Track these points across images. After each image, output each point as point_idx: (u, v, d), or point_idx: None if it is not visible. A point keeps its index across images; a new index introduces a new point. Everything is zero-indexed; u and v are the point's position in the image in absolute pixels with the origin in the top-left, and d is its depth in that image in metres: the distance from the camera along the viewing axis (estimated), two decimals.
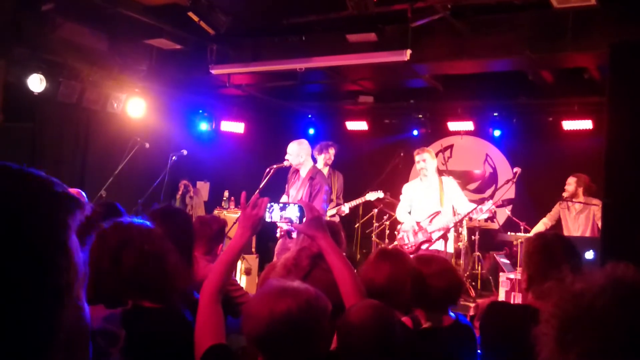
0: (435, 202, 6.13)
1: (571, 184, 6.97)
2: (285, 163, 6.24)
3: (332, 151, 7.18)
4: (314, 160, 6.51)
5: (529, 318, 2.29)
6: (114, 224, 2.04)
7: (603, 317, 0.76)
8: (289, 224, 2.29)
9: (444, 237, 5.96)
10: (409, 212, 6.40)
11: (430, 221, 6.12)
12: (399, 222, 8.49)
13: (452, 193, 6.19)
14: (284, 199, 6.24)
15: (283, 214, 2.31)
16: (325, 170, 7.04)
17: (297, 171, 6.31)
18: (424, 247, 6.10)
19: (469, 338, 2.64)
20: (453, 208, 6.22)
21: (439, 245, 6.05)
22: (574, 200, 6.94)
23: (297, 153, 6.06)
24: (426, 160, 6.18)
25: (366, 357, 1.92)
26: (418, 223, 6.15)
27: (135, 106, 8.35)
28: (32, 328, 0.65)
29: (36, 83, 6.97)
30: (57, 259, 0.67)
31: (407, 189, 6.49)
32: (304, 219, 2.30)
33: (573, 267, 2.26)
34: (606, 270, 0.81)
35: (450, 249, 6.20)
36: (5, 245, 0.62)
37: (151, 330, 1.92)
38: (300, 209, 2.29)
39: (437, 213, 6.12)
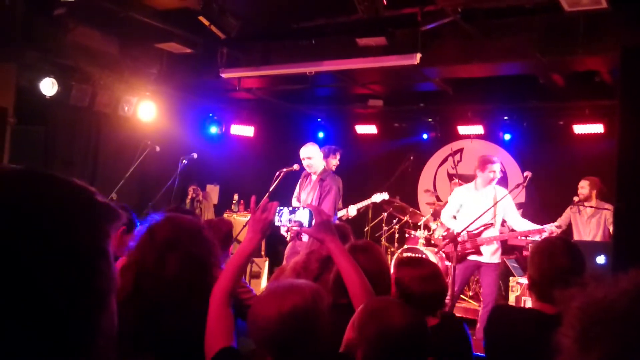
0: (488, 213, 5.83)
1: (585, 187, 6.92)
2: (295, 167, 6.26)
3: (338, 156, 7.17)
4: None
5: (532, 322, 2.30)
6: (166, 220, 2.03)
7: (627, 317, 0.76)
8: (299, 227, 2.30)
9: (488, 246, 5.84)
10: (454, 217, 6.20)
11: (481, 232, 5.90)
12: (408, 226, 8.51)
13: (506, 206, 5.97)
14: (294, 203, 6.25)
15: (292, 217, 2.32)
16: None
17: (308, 175, 6.33)
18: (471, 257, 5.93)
19: (456, 339, 2.63)
20: (503, 221, 6.06)
21: (485, 257, 5.91)
22: (585, 204, 6.89)
23: (318, 154, 6.13)
24: (496, 172, 5.96)
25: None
26: (469, 233, 5.87)
27: (146, 109, 8.40)
28: (76, 328, 0.69)
29: (48, 86, 7.04)
30: (100, 264, 0.71)
31: (458, 193, 6.26)
32: (313, 223, 2.31)
33: (576, 270, 2.29)
34: (631, 275, 0.81)
35: (496, 259, 5.99)
36: (52, 249, 0.66)
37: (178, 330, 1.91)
38: (310, 213, 2.30)
39: (490, 225, 5.91)
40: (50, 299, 0.65)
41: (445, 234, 6.44)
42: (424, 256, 7.47)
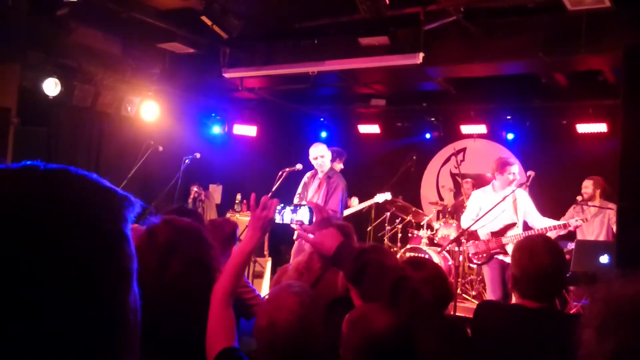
0: (510, 214, 5.76)
1: (588, 186, 6.90)
2: (298, 166, 6.26)
3: (343, 159, 7.15)
4: None
5: (516, 315, 2.32)
6: (165, 222, 2.01)
7: None
8: (299, 227, 2.28)
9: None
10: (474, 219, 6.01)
11: (505, 233, 5.76)
12: (411, 226, 8.50)
13: (526, 206, 5.84)
14: (296, 202, 6.25)
15: (294, 216, 2.30)
16: None
17: (315, 174, 6.33)
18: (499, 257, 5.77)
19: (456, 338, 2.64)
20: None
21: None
22: (589, 203, 6.88)
23: (328, 154, 6.14)
24: (515, 173, 5.83)
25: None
26: (492, 233, 5.79)
27: (148, 110, 8.41)
28: (109, 304, 0.74)
29: (51, 87, 7.05)
30: (124, 246, 0.77)
31: (477, 196, 6.10)
32: (314, 220, 2.29)
33: (556, 268, 2.31)
34: None
35: None
36: (81, 233, 0.72)
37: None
38: (310, 210, 2.28)
39: (513, 225, 5.77)
40: (83, 277, 0.70)
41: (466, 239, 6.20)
42: (426, 256, 7.47)
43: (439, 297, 2.58)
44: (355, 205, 7.15)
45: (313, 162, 6.34)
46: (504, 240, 5.72)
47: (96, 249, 0.73)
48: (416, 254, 7.78)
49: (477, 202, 6.01)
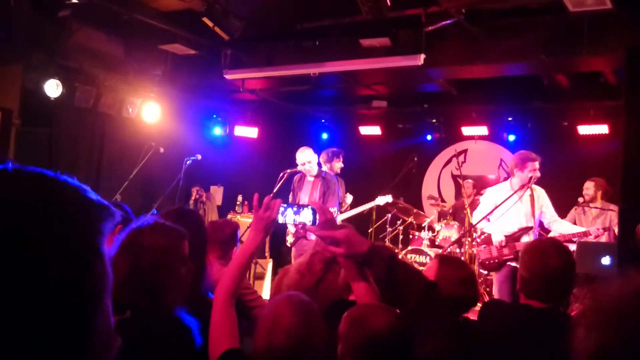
0: (527, 216, 5.36)
1: (590, 188, 6.89)
2: (300, 168, 6.26)
3: (341, 158, 7.11)
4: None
5: (522, 314, 2.32)
6: (132, 232, 2.04)
7: (624, 314, 0.84)
8: (302, 229, 2.28)
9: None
10: (488, 219, 5.60)
11: (519, 237, 5.34)
12: (412, 228, 8.49)
13: (543, 204, 5.43)
14: None
15: (297, 217, 2.29)
16: None
17: (302, 178, 6.33)
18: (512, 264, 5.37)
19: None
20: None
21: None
22: (590, 205, 6.87)
23: (315, 158, 6.14)
24: (537, 170, 5.38)
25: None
26: (506, 236, 5.39)
27: (150, 111, 8.41)
28: (71, 330, 0.67)
29: (53, 88, 7.05)
30: (94, 264, 0.70)
31: (491, 194, 5.68)
32: (317, 220, 2.28)
33: (565, 271, 2.31)
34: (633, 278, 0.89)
35: None
36: (45, 249, 0.65)
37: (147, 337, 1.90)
38: (313, 211, 2.27)
39: (529, 229, 5.34)
40: (42, 300, 0.64)
41: (481, 238, 5.80)
42: (427, 258, 7.46)
43: (468, 299, 2.58)
44: (350, 201, 7.14)
45: (301, 167, 6.33)
46: (517, 246, 5.31)
47: (56, 273, 0.65)
48: (418, 256, 7.78)
49: (492, 199, 5.60)
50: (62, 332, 0.66)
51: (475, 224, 5.61)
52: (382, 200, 7.36)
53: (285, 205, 2.27)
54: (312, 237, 5.56)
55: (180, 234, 2.11)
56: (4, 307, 0.62)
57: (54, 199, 0.69)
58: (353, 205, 7.26)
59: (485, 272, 6.79)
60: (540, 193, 5.49)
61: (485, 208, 5.62)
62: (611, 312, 0.85)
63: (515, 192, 5.37)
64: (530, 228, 5.35)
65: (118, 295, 1.87)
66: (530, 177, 5.32)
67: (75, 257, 0.68)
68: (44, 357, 0.65)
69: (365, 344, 1.84)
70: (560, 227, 5.55)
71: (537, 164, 5.37)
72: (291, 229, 6.23)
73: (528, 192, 5.38)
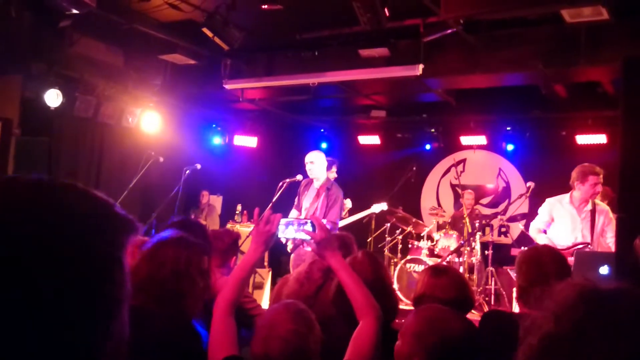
0: (584, 232, 5.08)
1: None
2: (299, 177, 6.25)
3: (334, 168, 7.11)
4: None
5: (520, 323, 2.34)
6: (157, 243, 2.13)
7: (558, 315, 0.89)
8: (301, 243, 2.33)
9: None
10: (544, 230, 5.34)
11: (573, 253, 4.90)
12: (411, 237, 8.49)
13: (607, 226, 5.07)
14: (293, 213, 6.23)
15: (298, 235, 2.34)
16: None
17: (309, 183, 6.30)
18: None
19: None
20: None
21: None
22: None
23: (321, 162, 6.08)
24: (599, 185, 5.10)
25: None
26: (560, 250, 5.06)
27: (149, 121, 8.43)
28: (88, 333, 0.70)
29: (53, 98, 7.07)
30: (115, 274, 0.74)
31: (551, 204, 5.37)
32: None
33: (562, 278, 2.33)
34: (575, 282, 0.94)
35: None
36: (72, 258, 0.69)
37: (162, 341, 1.92)
38: (312, 225, 2.30)
39: (585, 244, 5.02)
40: (62, 306, 0.67)
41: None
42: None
43: (461, 302, 2.59)
44: (349, 205, 7.14)
45: (306, 167, 6.32)
46: (570, 260, 4.89)
47: (77, 280, 0.69)
48: (417, 265, 7.78)
49: (549, 211, 5.34)
50: (80, 335, 0.69)
51: (530, 234, 5.33)
52: (378, 207, 7.37)
53: (286, 220, 2.32)
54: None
55: (202, 248, 2.20)
56: (22, 310, 0.65)
57: (81, 210, 0.73)
58: (351, 214, 7.27)
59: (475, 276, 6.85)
60: (604, 211, 5.16)
61: (541, 218, 5.40)
62: (570, 300, 0.89)
63: (577, 207, 5.13)
64: (587, 244, 5.06)
65: (138, 300, 1.91)
66: (595, 193, 5.08)
67: (97, 266, 0.72)
68: (61, 356, 0.68)
69: (441, 344, 1.86)
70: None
71: (599, 178, 5.11)
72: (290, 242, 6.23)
73: (589, 206, 5.13)
